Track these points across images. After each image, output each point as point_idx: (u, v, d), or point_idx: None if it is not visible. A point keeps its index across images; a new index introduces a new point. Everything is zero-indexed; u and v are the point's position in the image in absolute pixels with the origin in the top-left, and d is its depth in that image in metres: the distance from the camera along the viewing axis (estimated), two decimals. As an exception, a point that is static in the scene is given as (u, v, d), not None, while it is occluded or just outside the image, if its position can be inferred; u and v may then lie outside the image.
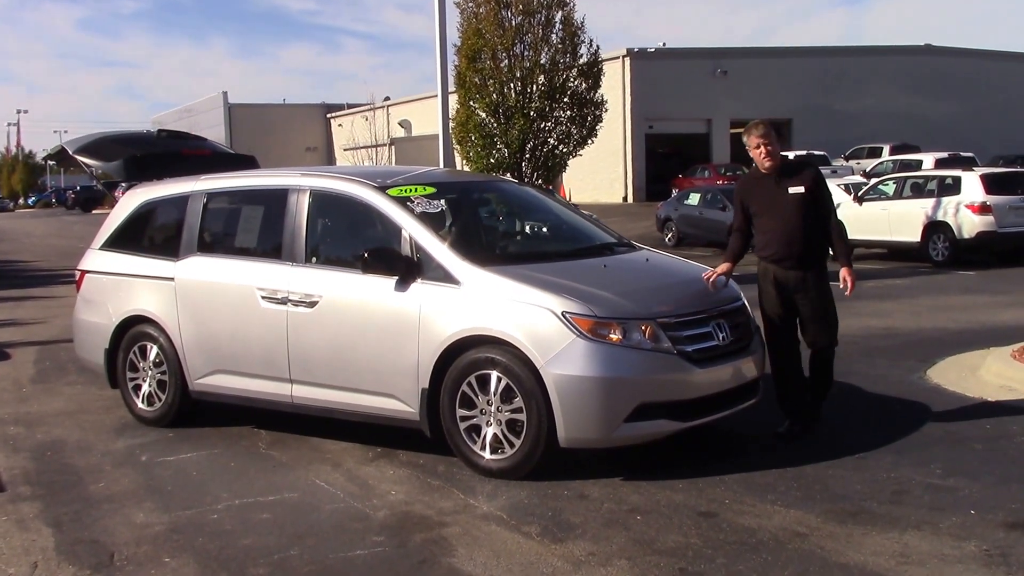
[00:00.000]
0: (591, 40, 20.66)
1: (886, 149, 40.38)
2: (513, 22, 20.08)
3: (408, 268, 7.31)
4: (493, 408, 6.97)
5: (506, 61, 20.00)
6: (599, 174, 40.80)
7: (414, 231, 7.43)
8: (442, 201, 7.87)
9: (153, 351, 8.77)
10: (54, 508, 6.77)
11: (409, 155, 48.88)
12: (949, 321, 13.74)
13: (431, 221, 7.57)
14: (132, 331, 8.92)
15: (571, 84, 20.44)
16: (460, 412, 7.11)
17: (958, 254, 21.06)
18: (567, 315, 6.76)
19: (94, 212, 67.56)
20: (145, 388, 8.89)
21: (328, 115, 74.58)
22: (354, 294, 7.56)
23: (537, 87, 20.06)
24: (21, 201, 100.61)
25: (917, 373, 10.17)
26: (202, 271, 8.47)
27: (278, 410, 8.22)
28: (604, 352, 6.70)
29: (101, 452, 8.16)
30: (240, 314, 8.15)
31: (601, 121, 20.96)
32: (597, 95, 20.75)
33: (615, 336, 6.75)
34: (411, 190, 7.84)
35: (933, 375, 10.05)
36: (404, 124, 51.51)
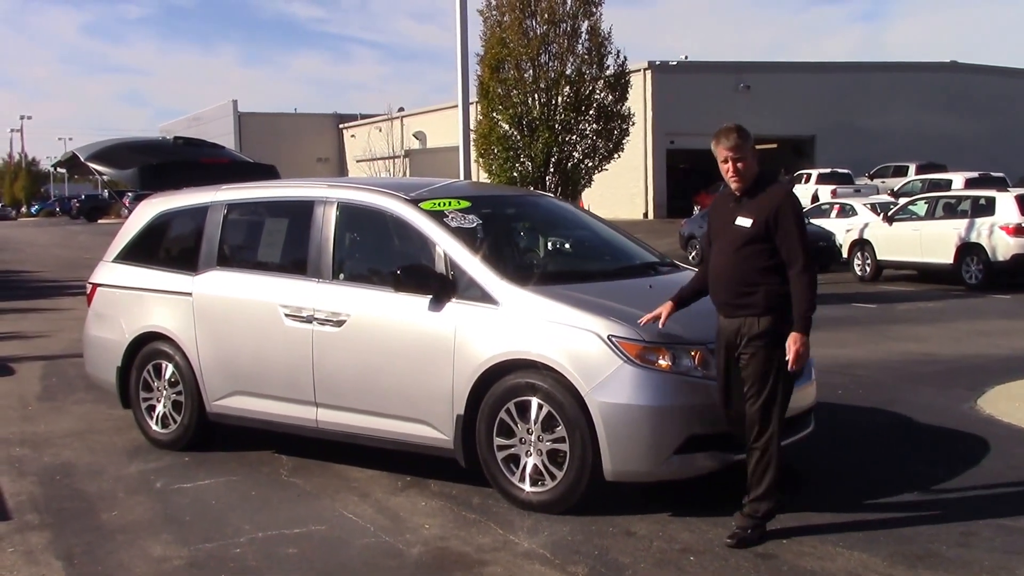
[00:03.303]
0: (618, 51, 20.22)
1: (912, 168, 39.78)
2: (538, 31, 19.62)
3: (443, 286, 6.87)
4: (533, 437, 6.52)
5: (530, 71, 19.54)
6: (619, 189, 40.26)
7: (449, 247, 6.98)
8: (477, 216, 7.42)
9: (168, 370, 8.32)
10: (64, 539, 6.32)
11: (424, 167, 48.59)
12: (991, 347, 13.31)
13: (466, 237, 7.13)
14: (146, 348, 8.48)
15: (597, 96, 19.96)
16: (497, 441, 6.65)
17: (992, 277, 20.52)
18: (613, 339, 6.31)
19: (99, 222, 67.22)
20: (159, 409, 8.43)
21: (340, 125, 74.22)
22: (384, 313, 7.11)
23: (563, 98, 19.60)
24: (24, 209, 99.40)
25: (967, 402, 9.71)
26: (222, 286, 8.03)
27: (301, 435, 7.76)
28: (653, 379, 6.25)
29: (113, 477, 7.71)
30: (262, 332, 7.71)
31: (628, 135, 20.47)
32: (624, 107, 20.28)
33: (664, 362, 6.29)
34: (445, 204, 7.40)
35: (984, 405, 9.58)
36: (419, 136, 51.19)
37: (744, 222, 5.91)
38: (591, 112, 19.86)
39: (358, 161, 54.03)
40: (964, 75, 51.83)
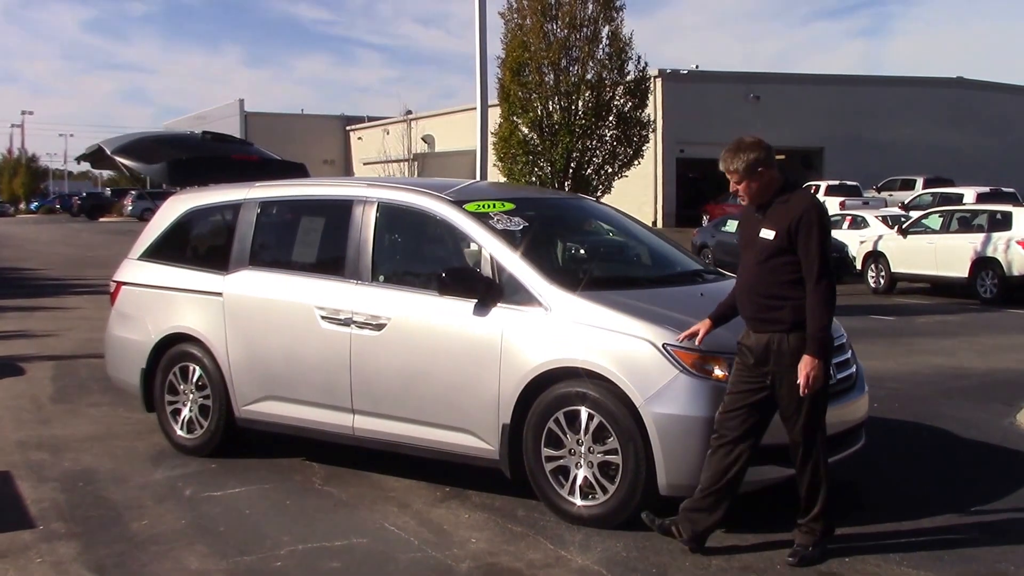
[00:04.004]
0: (639, 57, 19.96)
1: (919, 182, 39.72)
2: (559, 35, 19.36)
3: (489, 290, 6.61)
4: (584, 448, 6.25)
5: (551, 76, 19.28)
6: (628, 198, 39.67)
7: (496, 250, 6.73)
8: (523, 219, 7.16)
9: (196, 373, 8.05)
10: (94, 549, 6.03)
11: (433, 171, 48.29)
12: (1019, 363, 13.16)
13: (513, 240, 6.87)
14: (173, 350, 8.21)
15: (617, 102, 19.71)
16: (545, 452, 6.39)
17: (1007, 291, 20.37)
18: (668, 348, 6.06)
19: (101, 220, 66.82)
20: (185, 413, 8.16)
21: (347, 128, 73.98)
22: (427, 317, 6.86)
23: (584, 103, 19.34)
24: (22, 206, 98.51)
25: (1008, 418, 9.50)
26: (254, 286, 7.77)
27: (335, 442, 7.50)
28: (710, 389, 5.99)
29: (139, 484, 7.42)
30: (297, 335, 7.45)
31: (648, 141, 20.25)
32: (644, 114, 20.04)
33: (720, 372, 6.03)
34: (489, 205, 7.15)
35: (1024, 420, 9.35)
36: (427, 139, 50.90)
37: (768, 234, 5.67)
38: (611, 118, 19.61)
39: (365, 164, 53.78)
40: (971, 91, 51.72)
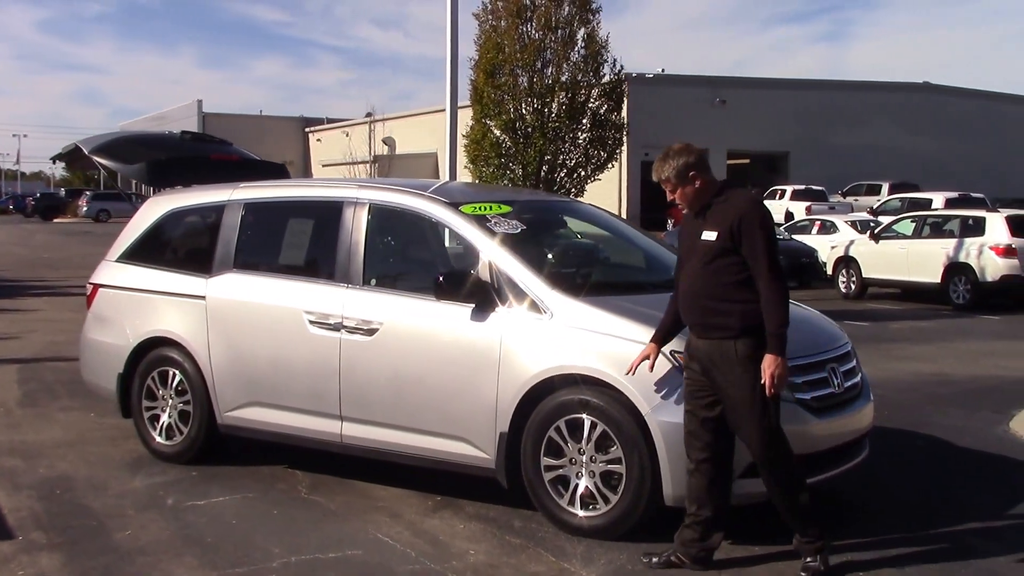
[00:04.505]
0: (615, 60, 19.83)
1: (885, 187, 39.86)
2: (535, 36, 19.19)
3: (488, 295, 6.41)
4: (585, 458, 6.07)
5: (525, 77, 19.11)
6: (593, 200, 39.43)
7: (495, 254, 6.53)
8: (520, 221, 6.97)
9: (176, 378, 7.80)
10: (79, 561, 5.77)
11: (394, 173, 47.91)
12: (999, 368, 13.11)
13: (512, 243, 6.67)
14: (152, 354, 7.94)
15: (591, 104, 19.56)
16: (545, 461, 6.20)
17: (979, 297, 20.41)
18: (676, 355, 5.88)
19: (55, 221, 65.89)
20: (164, 419, 7.90)
21: (306, 129, 73.60)
22: (421, 322, 6.65)
23: (558, 105, 19.18)
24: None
25: (1001, 426, 9.42)
26: (239, 290, 7.53)
27: (322, 450, 7.27)
28: (719, 398, 5.81)
29: (118, 492, 7.16)
30: (283, 340, 7.22)
31: (623, 144, 20.13)
32: (619, 117, 19.91)
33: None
34: (486, 208, 6.96)
35: (1018, 428, 9.29)
36: (388, 141, 50.56)
37: (710, 235, 5.47)
38: (585, 121, 19.46)
39: (324, 165, 53.42)
40: (936, 96, 52.09)
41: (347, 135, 52.77)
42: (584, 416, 6.04)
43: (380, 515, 6.60)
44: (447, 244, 7.23)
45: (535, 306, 6.29)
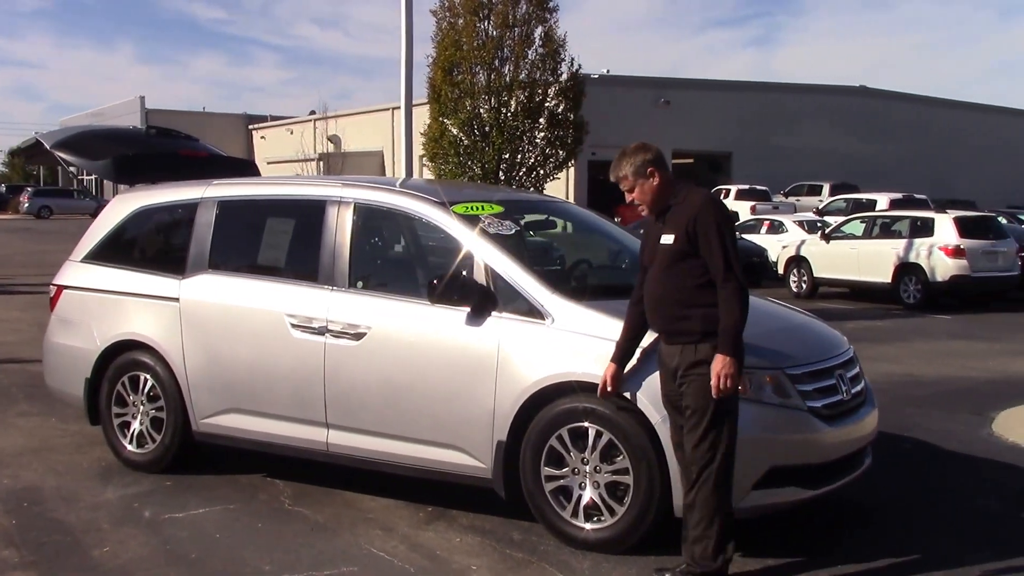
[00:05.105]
0: (572, 59, 19.64)
1: (826, 187, 40.22)
2: (492, 34, 18.95)
3: (485, 299, 6.15)
4: (589, 468, 5.84)
5: (483, 76, 18.86)
6: (541, 200, 39.78)
7: (490, 256, 6.28)
8: (513, 223, 6.73)
9: (148, 383, 7.46)
10: (57, 581, 5.46)
11: (341, 171, 47.37)
12: (966, 369, 13.13)
13: (507, 244, 6.43)
14: (121, 358, 7.60)
15: (548, 103, 19.37)
16: (546, 471, 5.96)
17: (930, 297, 20.63)
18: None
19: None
20: (135, 426, 7.56)
21: (250, 126, 72.73)
22: (412, 326, 6.38)
23: (517, 103, 18.96)
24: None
25: (984, 428, 9.37)
26: (215, 292, 7.21)
27: (305, 459, 6.98)
28: (730, 406, 5.61)
29: (90, 504, 6.82)
30: (264, 344, 6.91)
31: (581, 143, 19.96)
32: (578, 116, 19.73)
33: (740, 388, 5.66)
34: (478, 208, 6.71)
35: (1002, 431, 9.25)
36: (333, 139, 49.98)
37: (667, 240, 5.29)
38: (542, 119, 19.27)
39: (269, 163, 52.75)
40: (874, 99, 52.60)
41: (291, 133, 52.17)
42: (588, 425, 5.81)
43: (371, 528, 6.33)
44: (437, 244, 6.94)
45: (535, 310, 6.05)
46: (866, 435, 6.38)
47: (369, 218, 6.95)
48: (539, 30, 19.37)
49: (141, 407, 7.52)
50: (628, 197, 5.47)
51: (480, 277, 6.22)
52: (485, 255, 6.29)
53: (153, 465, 7.47)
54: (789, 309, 7.24)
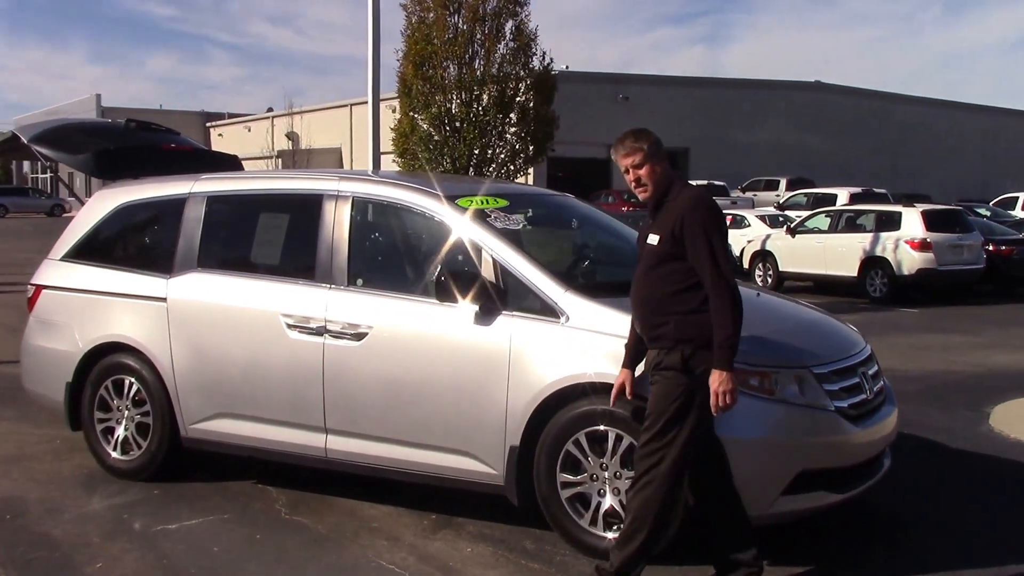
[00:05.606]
0: (544, 53, 19.42)
1: (783, 182, 40.34)
2: (463, 28, 18.66)
3: (495, 296, 5.89)
4: (609, 474, 5.60)
5: (453, 70, 18.58)
6: (499, 196, 39.53)
7: (500, 251, 6.01)
8: (521, 216, 6.48)
9: (133, 387, 7.14)
10: (53, 602, 5.15)
11: (300, 167, 47.03)
12: (948, 363, 13.04)
13: (516, 239, 6.18)
14: (105, 361, 7.26)
15: (519, 98, 19.12)
16: (562, 477, 5.71)
17: (896, 290, 20.62)
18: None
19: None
20: (120, 432, 7.24)
21: (207, 124, 72.05)
22: (417, 325, 6.11)
23: (489, 98, 18.69)
24: None
25: (983, 424, 9.27)
26: (205, 291, 6.90)
27: (303, 465, 6.69)
28: (758, 408, 5.40)
29: (77, 516, 6.48)
30: (257, 345, 6.61)
31: (552, 138, 19.72)
32: (550, 110, 19.49)
33: (768, 388, 5.46)
34: (483, 202, 6.44)
35: (1002, 426, 9.15)
36: (291, 136, 49.50)
37: (652, 240, 5.02)
38: (512, 115, 19.02)
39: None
40: (828, 95, 52.94)
41: (249, 130, 51.64)
42: (607, 428, 5.57)
43: (377, 538, 6.05)
44: (441, 240, 6.65)
45: (548, 308, 5.80)
46: (888, 435, 6.18)
47: (368, 213, 6.67)
48: (510, 24, 19.14)
49: (126, 412, 7.20)
50: (634, 175, 5.09)
51: (488, 273, 5.96)
52: (493, 251, 6.03)
53: (139, 473, 7.15)
54: (802, 305, 7.04)
